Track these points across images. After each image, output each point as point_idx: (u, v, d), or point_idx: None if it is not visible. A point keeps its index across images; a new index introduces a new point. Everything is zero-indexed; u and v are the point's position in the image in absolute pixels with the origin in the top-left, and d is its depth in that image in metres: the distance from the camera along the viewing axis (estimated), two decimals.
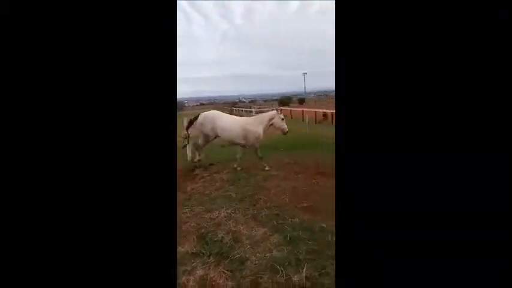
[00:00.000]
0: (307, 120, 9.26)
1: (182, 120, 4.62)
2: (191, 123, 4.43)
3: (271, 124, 4.18)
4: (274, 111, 4.32)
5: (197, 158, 4.36)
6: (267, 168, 4.01)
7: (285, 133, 4.20)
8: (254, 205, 2.71)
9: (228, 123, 4.20)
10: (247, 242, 1.98)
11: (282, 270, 1.54)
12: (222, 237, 2.06)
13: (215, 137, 4.30)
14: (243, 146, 4.23)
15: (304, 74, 49.51)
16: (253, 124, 4.17)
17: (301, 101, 34.90)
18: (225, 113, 4.57)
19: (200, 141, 4.33)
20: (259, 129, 4.12)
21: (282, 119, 4.14)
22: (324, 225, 2.09)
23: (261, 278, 1.52)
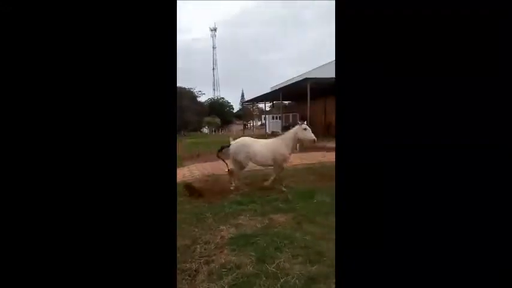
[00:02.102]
0: None
1: None
2: (221, 150, 4.41)
3: (299, 139, 4.09)
4: (297, 126, 4.13)
5: (233, 185, 4.22)
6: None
7: (313, 142, 4.10)
8: None
9: (258, 148, 4.19)
10: None
11: None
12: None
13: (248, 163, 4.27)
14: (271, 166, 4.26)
15: None
16: (281, 146, 4.14)
17: None
18: (253, 139, 4.47)
19: (235, 169, 4.27)
20: (285, 151, 4.10)
21: (305, 129, 4.02)
22: None
23: None
